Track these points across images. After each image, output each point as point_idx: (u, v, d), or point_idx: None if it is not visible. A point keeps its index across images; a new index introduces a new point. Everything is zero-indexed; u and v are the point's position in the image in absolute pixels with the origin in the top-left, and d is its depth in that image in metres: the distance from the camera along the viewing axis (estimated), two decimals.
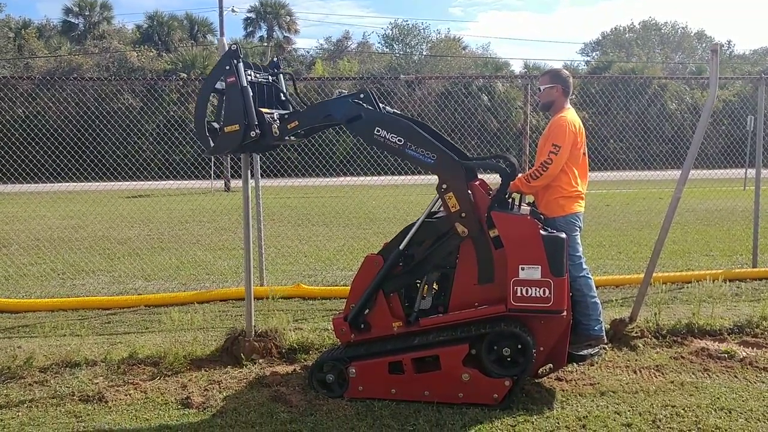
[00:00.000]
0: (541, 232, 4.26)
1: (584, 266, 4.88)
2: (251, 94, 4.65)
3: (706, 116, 5.55)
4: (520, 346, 4.27)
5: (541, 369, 4.59)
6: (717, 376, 4.89)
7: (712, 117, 20.88)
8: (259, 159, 7.90)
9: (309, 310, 7.10)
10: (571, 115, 4.91)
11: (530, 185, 4.79)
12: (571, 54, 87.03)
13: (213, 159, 22.87)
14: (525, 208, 4.78)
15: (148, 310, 7.18)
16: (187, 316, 6.44)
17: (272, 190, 18.93)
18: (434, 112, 27.61)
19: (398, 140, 4.42)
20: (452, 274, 4.46)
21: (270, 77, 5.17)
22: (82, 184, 15.15)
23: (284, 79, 5.39)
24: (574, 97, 5.13)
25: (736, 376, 4.87)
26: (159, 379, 4.96)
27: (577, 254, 4.80)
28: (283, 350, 5.44)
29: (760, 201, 8.62)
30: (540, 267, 4.20)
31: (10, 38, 41.79)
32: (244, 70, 4.71)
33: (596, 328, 4.84)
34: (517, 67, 48.50)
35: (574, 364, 4.95)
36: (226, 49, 4.75)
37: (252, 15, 50.67)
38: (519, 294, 4.22)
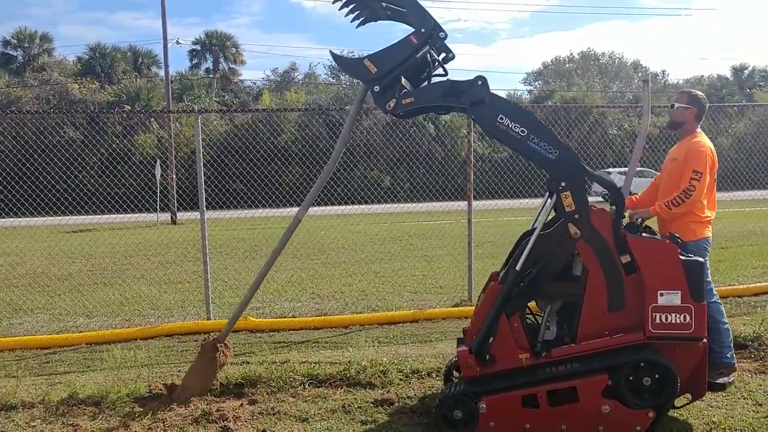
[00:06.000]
0: (681, 256, 4.17)
1: (714, 292, 4.85)
2: (410, 65, 4.47)
3: (641, 143, 5.72)
4: (662, 375, 4.10)
5: (677, 399, 4.42)
6: None
7: (650, 143, 21.56)
8: (204, 190, 7.81)
9: (257, 343, 7.00)
10: (707, 140, 4.94)
11: (671, 211, 4.77)
12: (514, 83, 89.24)
13: (159, 191, 22.51)
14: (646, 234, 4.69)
15: (90, 348, 6.97)
16: (130, 353, 6.27)
17: (219, 222, 18.72)
18: (381, 142, 27.84)
19: (521, 131, 4.23)
20: (579, 303, 4.28)
21: (437, 59, 4.70)
22: (20, 219, 14.70)
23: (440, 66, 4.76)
24: None
25: None
26: (100, 419, 4.80)
27: (708, 279, 4.74)
28: (231, 385, 5.36)
29: None
30: (680, 292, 4.09)
31: None
32: (432, 49, 4.52)
33: (728, 355, 4.80)
34: None
35: None
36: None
37: (197, 47, 50.42)
38: (658, 321, 4.09)
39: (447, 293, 9.24)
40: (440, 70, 4.67)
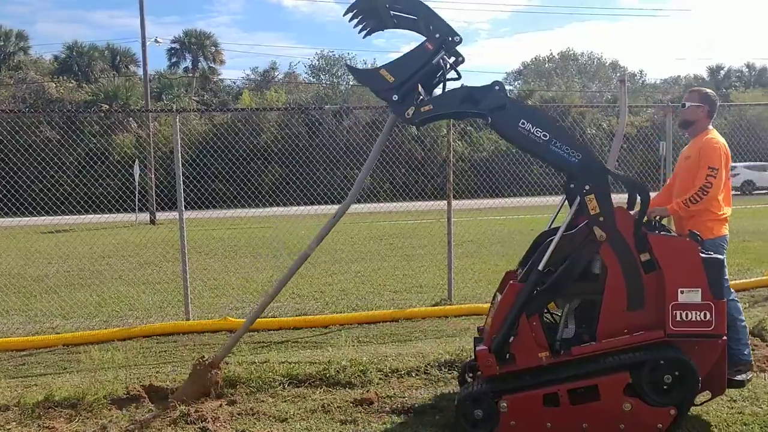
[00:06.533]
0: (701, 254, 4.19)
1: (731, 290, 4.86)
2: (426, 71, 4.45)
3: (618, 142, 5.77)
4: (683, 373, 4.12)
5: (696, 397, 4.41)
6: None
7: (628, 142, 21.75)
8: (182, 190, 7.77)
9: (236, 344, 6.95)
10: (719, 137, 4.96)
11: (689, 209, 4.79)
12: None
13: (137, 191, 22.32)
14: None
15: (67, 349, 6.90)
16: (107, 354, 6.22)
17: (198, 222, 18.61)
18: (362, 142, 27.80)
19: (543, 135, 4.18)
20: (598, 301, 4.27)
21: (449, 63, 4.62)
22: None
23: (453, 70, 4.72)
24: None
25: None
26: (77, 421, 4.76)
27: (726, 277, 4.75)
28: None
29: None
30: (700, 290, 4.11)
31: None
32: (445, 54, 4.49)
33: (745, 352, 4.82)
34: None
35: None
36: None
37: (176, 46, 50.15)
38: (678, 318, 4.11)
39: (427, 292, 9.27)
40: (452, 74, 4.62)
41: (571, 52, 64.50)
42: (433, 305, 8.40)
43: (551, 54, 64.74)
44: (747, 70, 58.33)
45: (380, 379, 5.48)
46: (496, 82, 4.33)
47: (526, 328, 4.26)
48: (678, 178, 5.20)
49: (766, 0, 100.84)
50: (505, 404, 4.21)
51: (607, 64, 64.54)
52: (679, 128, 5.31)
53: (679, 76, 61.71)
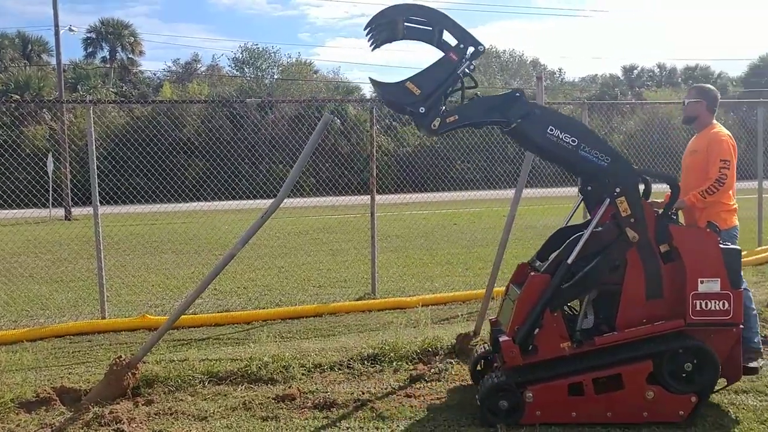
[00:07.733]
0: (720, 245, 4.29)
1: (744, 279, 4.93)
2: (453, 81, 4.37)
3: None
4: (703, 361, 4.24)
5: None
6: None
7: None
8: (96, 184, 7.50)
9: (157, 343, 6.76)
10: (724, 130, 5.07)
11: (705, 201, 4.90)
12: None
13: (51, 185, 21.42)
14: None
15: None
16: (15, 356, 5.94)
17: (116, 218, 18.00)
18: (287, 135, 27.56)
19: (572, 141, 4.22)
20: (617, 291, 4.35)
21: (465, 72, 4.54)
22: None
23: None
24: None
25: None
26: None
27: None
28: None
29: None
30: (719, 280, 4.23)
31: None
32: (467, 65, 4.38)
33: (755, 340, 4.95)
34: (367, 92, 49.17)
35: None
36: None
37: (92, 35, 48.26)
38: (698, 308, 4.24)
39: (351, 287, 9.28)
40: (468, 81, 4.60)
41: (494, 49, 65.71)
42: (357, 300, 8.43)
43: None
44: (658, 70, 60.78)
45: (303, 374, 5.46)
46: (516, 90, 4.41)
47: (550, 321, 4.33)
48: (686, 172, 5.36)
49: (675, 3, 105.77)
50: (530, 394, 4.28)
51: (528, 62, 66.09)
52: (683, 125, 5.52)
53: (596, 74, 63.83)
